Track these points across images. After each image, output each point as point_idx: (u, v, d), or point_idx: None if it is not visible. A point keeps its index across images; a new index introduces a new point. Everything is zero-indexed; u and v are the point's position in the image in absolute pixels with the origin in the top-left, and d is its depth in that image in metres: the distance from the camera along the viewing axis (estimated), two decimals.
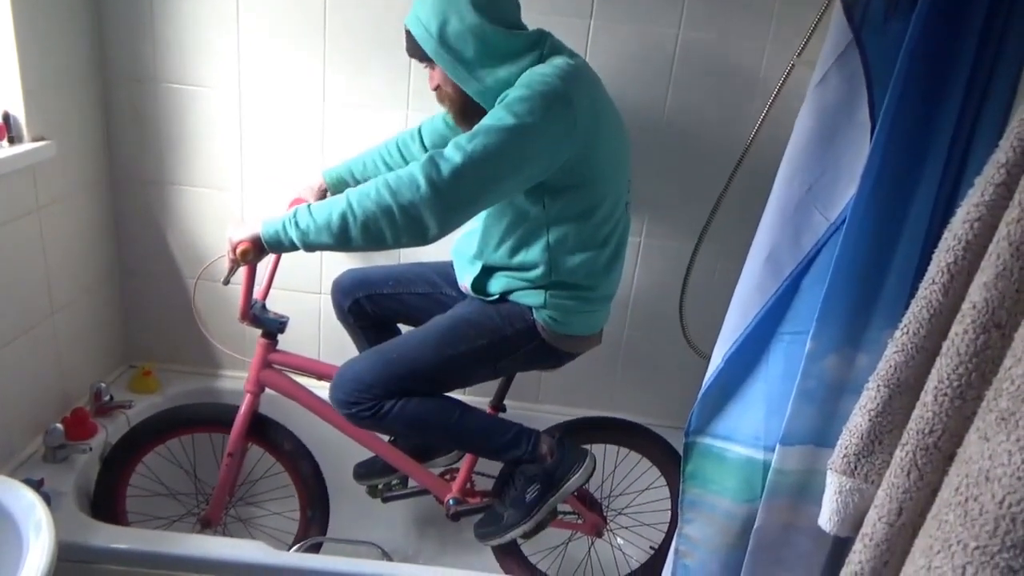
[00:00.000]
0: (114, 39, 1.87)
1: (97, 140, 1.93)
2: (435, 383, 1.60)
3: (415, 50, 1.45)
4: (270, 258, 1.63)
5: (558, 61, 1.43)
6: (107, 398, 1.95)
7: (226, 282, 1.50)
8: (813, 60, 1.34)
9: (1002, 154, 0.91)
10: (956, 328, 0.92)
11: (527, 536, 1.70)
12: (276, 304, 1.76)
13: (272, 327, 1.71)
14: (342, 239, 1.34)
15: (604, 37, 1.83)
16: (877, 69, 1.21)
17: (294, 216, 1.37)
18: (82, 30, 1.81)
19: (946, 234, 0.98)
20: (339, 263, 1.98)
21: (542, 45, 1.46)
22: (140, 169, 1.99)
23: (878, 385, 1.07)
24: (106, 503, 1.76)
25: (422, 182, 1.29)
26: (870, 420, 1.09)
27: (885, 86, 1.16)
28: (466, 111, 1.49)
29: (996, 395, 0.79)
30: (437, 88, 1.51)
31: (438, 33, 1.39)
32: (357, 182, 1.77)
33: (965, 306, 0.91)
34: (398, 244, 1.37)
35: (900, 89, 1.14)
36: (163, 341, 2.17)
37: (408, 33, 1.45)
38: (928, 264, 1.02)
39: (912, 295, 1.04)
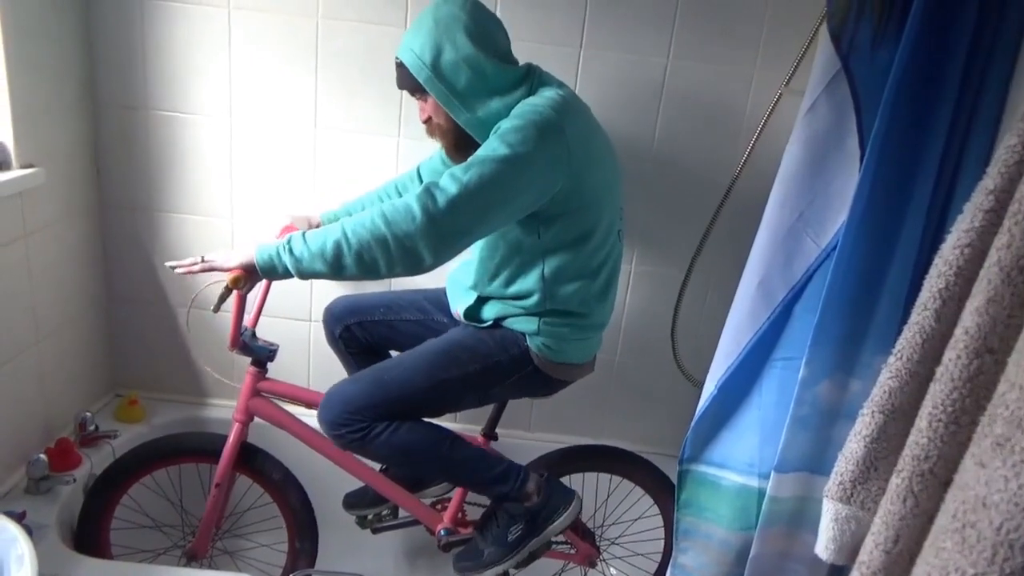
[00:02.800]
0: (105, 66, 1.87)
1: (86, 167, 1.92)
2: (426, 407, 1.58)
3: (406, 81, 1.46)
4: (260, 286, 1.63)
5: (549, 92, 1.44)
6: (92, 428, 1.91)
7: (216, 309, 1.48)
8: (800, 89, 1.36)
9: (990, 180, 0.92)
10: (949, 354, 0.92)
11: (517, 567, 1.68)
12: (266, 332, 1.75)
13: (262, 355, 1.69)
14: (336, 267, 1.34)
15: (594, 66, 1.85)
16: (865, 97, 1.23)
17: (288, 243, 1.36)
18: (73, 57, 1.81)
19: (937, 260, 0.99)
20: (329, 291, 1.97)
21: (531, 79, 1.49)
22: (129, 196, 1.98)
23: (872, 411, 1.07)
24: (90, 536, 1.72)
25: (418, 213, 1.29)
26: (865, 447, 1.08)
27: (873, 113, 1.17)
28: (458, 143, 1.50)
29: (991, 421, 0.79)
30: (428, 120, 1.51)
31: (432, 62, 1.40)
32: None
33: (958, 331, 0.91)
34: (392, 274, 1.37)
35: (888, 116, 1.15)
36: (150, 370, 2.15)
37: (399, 65, 1.46)
38: (919, 290, 1.03)
39: (904, 321, 1.04)
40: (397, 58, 1.46)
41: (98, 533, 1.74)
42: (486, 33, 1.43)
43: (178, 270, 1.45)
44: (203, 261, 1.43)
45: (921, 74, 1.15)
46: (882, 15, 1.21)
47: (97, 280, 2.04)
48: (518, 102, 1.43)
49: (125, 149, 1.94)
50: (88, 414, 1.92)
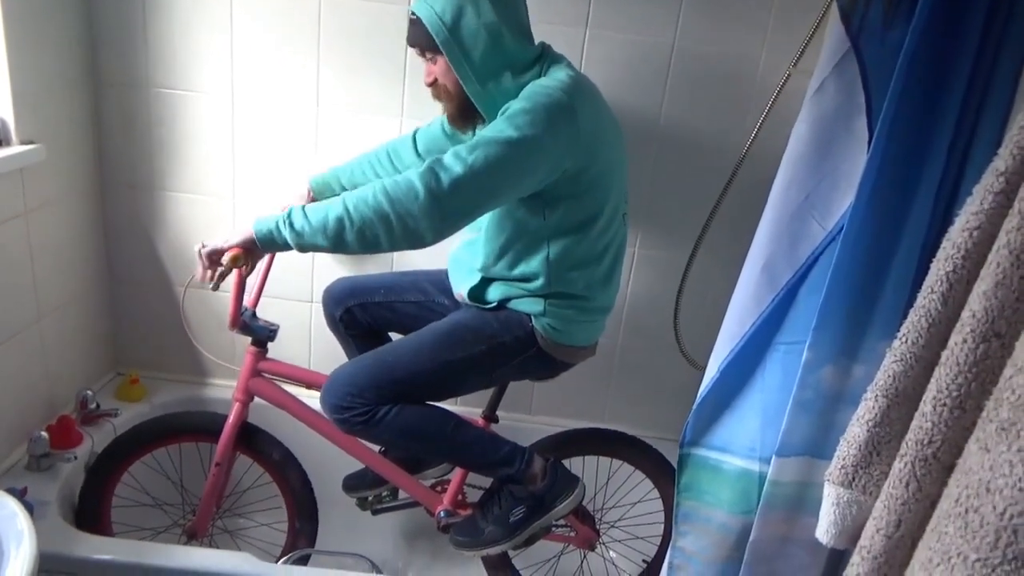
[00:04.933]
0: (106, 43, 1.85)
1: (87, 144, 1.91)
2: (430, 389, 1.57)
3: (419, 39, 1.42)
4: (260, 266, 1.62)
5: (559, 74, 1.43)
6: (93, 406, 1.91)
7: (215, 288, 1.47)
8: (809, 69, 1.34)
9: (1001, 162, 0.90)
10: (955, 337, 0.91)
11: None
12: (267, 312, 1.74)
13: (262, 335, 1.69)
14: (337, 242, 1.33)
15: (599, 46, 1.83)
16: (875, 77, 1.21)
17: (288, 217, 1.35)
18: (73, 33, 1.79)
19: (945, 243, 0.98)
20: (330, 271, 1.96)
21: (544, 60, 1.47)
22: (130, 174, 1.97)
23: (876, 395, 1.06)
24: (91, 513, 1.73)
25: (421, 191, 1.28)
26: (868, 431, 1.07)
27: (883, 94, 1.15)
28: (463, 109, 1.48)
29: (996, 405, 0.78)
30: (433, 83, 1.48)
31: (452, 23, 1.37)
32: (344, 189, 1.76)
33: (964, 315, 0.90)
34: (393, 249, 1.38)
35: (898, 97, 1.14)
36: (151, 349, 2.15)
37: (414, 21, 1.42)
38: (926, 274, 1.01)
39: (910, 305, 1.03)
40: (413, 12, 1.42)
41: (99, 511, 1.75)
42: (510, 3, 1.41)
43: (196, 279, 1.45)
44: (203, 247, 1.42)
45: (932, 55, 1.13)
46: None
47: (99, 258, 2.03)
48: (529, 83, 1.41)
49: (126, 127, 1.93)
50: (89, 392, 1.92)
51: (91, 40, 1.85)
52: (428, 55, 1.46)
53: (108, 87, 1.89)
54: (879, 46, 1.20)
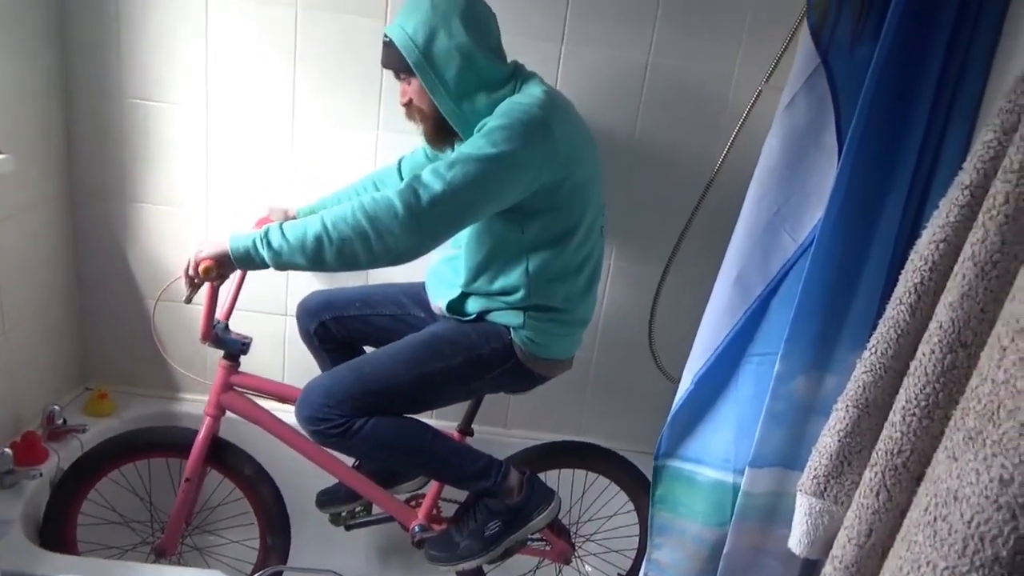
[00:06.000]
0: (78, 51, 1.83)
1: (58, 154, 1.88)
2: (408, 401, 1.56)
3: (393, 61, 1.44)
4: (233, 278, 1.60)
5: (534, 90, 1.44)
6: (60, 421, 1.87)
7: (188, 300, 1.46)
8: (781, 85, 1.37)
9: (966, 176, 0.92)
10: (923, 348, 0.93)
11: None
12: (239, 325, 1.72)
13: (234, 348, 1.67)
14: (316, 260, 1.33)
15: (574, 62, 1.84)
16: (844, 93, 1.23)
17: (265, 235, 1.34)
18: (45, 41, 1.77)
19: (912, 255, 1.00)
20: (305, 284, 1.95)
21: (517, 78, 1.48)
22: (101, 185, 1.94)
23: (847, 406, 1.08)
24: (56, 531, 1.69)
25: (400, 208, 1.29)
26: (839, 441, 1.09)
27: (852, 109, 1.18)
28: (439, 128, 1.49)
29: (963, 414, 0.80)
30: (408, 104, 1.50)
31: (424, 46, 1.39)
32: None
33: (932, 326, 0.92)
34: (372, 266, 1.38)
35: (866, 112, 1.16)
36: (120, 363, 2.11)
37: (387, 44, 1.43)
38: (895, 285, 1.03)
39: (879, 316, 1.05)
40: (386, 35, 1.43)
41: (64, 529, 1.71)
42: (482, 24, 1.43)
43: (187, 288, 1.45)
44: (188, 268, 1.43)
45: (899, 71, 1.16)
46: (862, 11, 1.21)
47: (68, 271, 2.00)
48: (502, 100, 1.42)
49: (98, 137, 1.90)
50: (56, 407, 1.88)
51: (63, 49, 1.83)
52: (402, 76, 1.47)
53: (79, 96, 1.87)
54: (848, 62, 1.23)
